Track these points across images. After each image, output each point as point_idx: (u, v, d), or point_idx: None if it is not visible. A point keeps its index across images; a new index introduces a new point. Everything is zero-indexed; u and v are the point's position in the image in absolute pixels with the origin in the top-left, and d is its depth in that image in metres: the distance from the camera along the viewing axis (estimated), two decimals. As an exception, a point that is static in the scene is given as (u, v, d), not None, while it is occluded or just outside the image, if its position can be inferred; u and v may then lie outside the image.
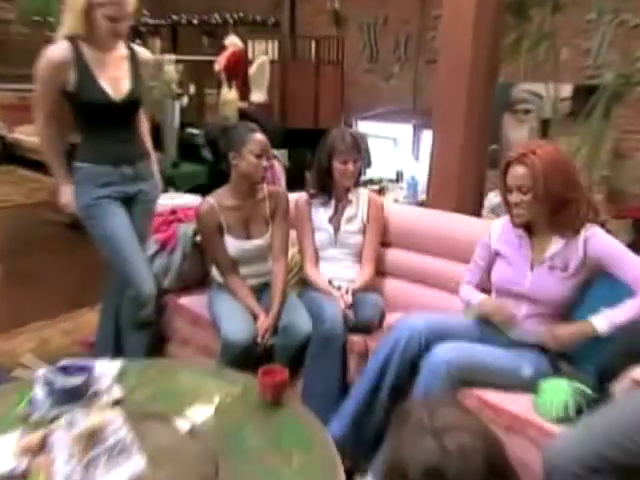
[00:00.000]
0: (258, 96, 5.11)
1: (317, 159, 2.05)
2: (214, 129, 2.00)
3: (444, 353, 1.50)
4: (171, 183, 3.77)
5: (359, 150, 2.03)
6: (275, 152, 3.98)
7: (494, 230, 1.68)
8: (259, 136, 1.87)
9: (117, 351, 2.08)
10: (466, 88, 2.28)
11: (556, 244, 1.52)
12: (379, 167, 4.03)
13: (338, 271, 2.06)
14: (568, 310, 1.56)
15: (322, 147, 2.04)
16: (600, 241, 1.48)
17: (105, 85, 1.83)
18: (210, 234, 1.93)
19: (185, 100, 4.57)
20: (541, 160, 1.44)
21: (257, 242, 1.96)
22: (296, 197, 2.13)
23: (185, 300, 2.18)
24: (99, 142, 1.89)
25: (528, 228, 1.57)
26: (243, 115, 4.41)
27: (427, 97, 4.89)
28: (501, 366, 1.53)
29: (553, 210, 1.47)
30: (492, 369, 1.52)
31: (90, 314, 2.65)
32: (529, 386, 1.49)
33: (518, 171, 1.46)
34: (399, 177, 4.37)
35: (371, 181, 3.96)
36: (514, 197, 1.49)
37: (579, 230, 1.48)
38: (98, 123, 1.86)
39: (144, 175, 2.00)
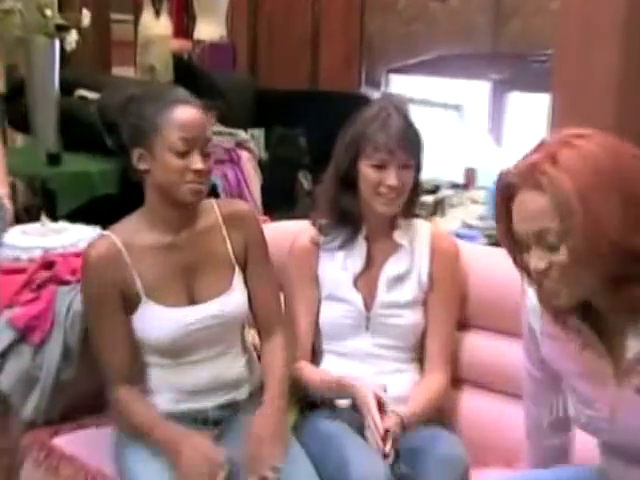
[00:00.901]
0: (210, 30, 5.15)
1: (334, 158, 2.08)
2: (113, 99, 1.92)
3: None
4: (46, 196, 3.68)
5: (415, 146, 2.03)
6: (242, 135, 4.00)
7: (534, 310, 1.60)
8: (186, 112, 1.87)
9: None
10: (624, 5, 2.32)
11: (636, 339, 1.45)
12: (431, 161, 3.96)
13: (373, 380, 2.03)
14: None
15: (345, 134, 2.06)
16: None
17: None
18: (103, 302, 1.92)
19: (73, 38, 4.36)
20: (575, 173, 1.33)
21: (213, 307, 1.95)
22: (295, 231, 2.18)
23: (68, 442, 2.14)
24: None
25: (585, 309, 1.50)
26: (182, 66, 4.48)
27: (520, 30, 4.74)
28: None
29: (615, 278, 1.37)
30: None
31: None
32: None
33: (531, 204, 1.38)
34: (470, 180, 4.34)
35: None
36: (534, 259, 1.40)
37: None
38: None
39: None
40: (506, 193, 1.42)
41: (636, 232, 1.34)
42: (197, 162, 1.85)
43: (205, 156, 1.88)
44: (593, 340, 1.50)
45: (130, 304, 1.92)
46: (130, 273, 1.90)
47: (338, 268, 2.10)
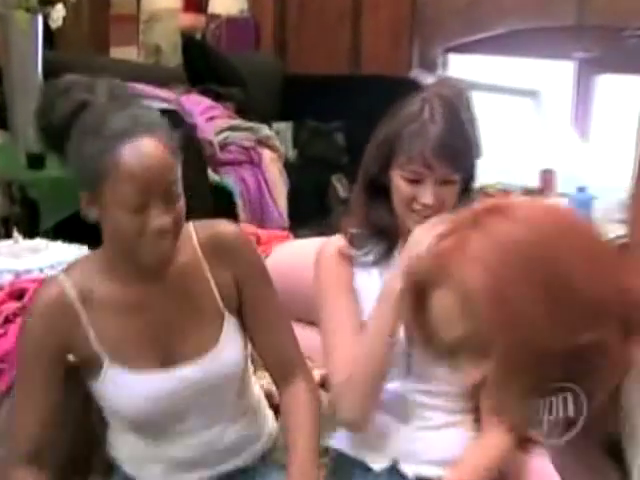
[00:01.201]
0: (228, 3, 5.31)
1: (364, 159, 2.06)
2: (60, 103, 1.83)
3: None
4: (27, 206, 3.72)
5: (462, 158, 1.95)
6: (264, 130, 4.00)
7: None
8: (138, 152, 1.67)
9: None
10: None
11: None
12: (499, 162, 3.97)
13: (411, 437, 2.01)
14: None
15: (379, 131, 2.02)
16: None
17: None
18: (31, 363, 1.85)
19: (59, 14, 4.34)
20: (484, 264, 1.29)
21: (195, 370, 1.88)
22: (319, 245, 2.14)
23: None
24: None
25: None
26: (194, 46, 4.56)
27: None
28: None
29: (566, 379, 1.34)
30: None
31: None
32: None
33: (439, 306, 1.37)
34: (547, 184, 4.39)
35: (481, 190, 3.70)
36: (464, 373, 1.46)
37: None
38: None
39: None
40: (417, 297, 1.37)
41: (571, 331, 1.27)
42: (157, 218, 1.68)
43: (171, 202, 1.70)
44: (594, 455, 1.45)
45: (89, 369, 1.84)
46: (84, 332, 1.82)
47: (377, 286, 2.01)
